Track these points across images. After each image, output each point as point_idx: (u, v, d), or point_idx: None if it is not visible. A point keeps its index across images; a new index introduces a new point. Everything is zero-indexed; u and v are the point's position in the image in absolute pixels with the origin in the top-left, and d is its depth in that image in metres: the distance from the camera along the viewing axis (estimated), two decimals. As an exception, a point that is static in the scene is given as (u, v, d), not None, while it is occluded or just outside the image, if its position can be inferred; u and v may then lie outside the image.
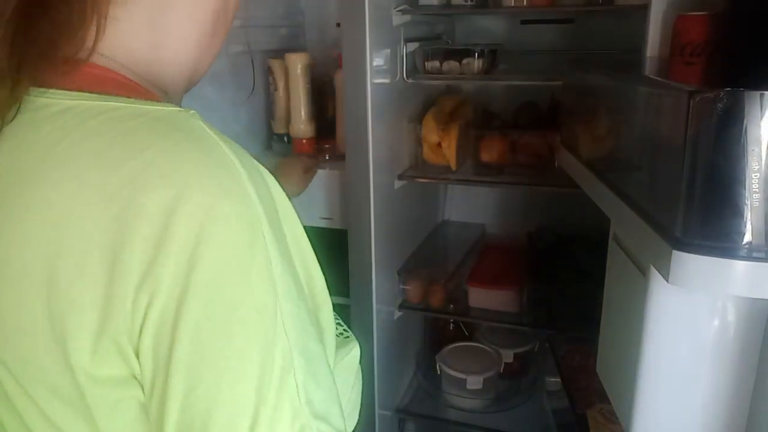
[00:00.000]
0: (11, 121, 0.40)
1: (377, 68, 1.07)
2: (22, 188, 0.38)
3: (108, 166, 0.37)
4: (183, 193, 0.36)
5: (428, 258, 1.43)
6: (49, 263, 0.37)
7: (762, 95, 0.46)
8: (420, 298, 1.32)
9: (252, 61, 1.24)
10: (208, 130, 0.40)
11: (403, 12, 1.14)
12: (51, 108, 0.40)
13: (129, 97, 0.41)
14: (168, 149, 0.37)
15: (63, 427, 0.41)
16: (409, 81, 1.21)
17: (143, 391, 0.39)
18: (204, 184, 0.36)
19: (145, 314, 0.36)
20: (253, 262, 0.37)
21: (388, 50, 1.13)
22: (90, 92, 0.40)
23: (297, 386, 0.38)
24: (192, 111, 0.41)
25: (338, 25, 1.17)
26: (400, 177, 1.25)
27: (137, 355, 0.37)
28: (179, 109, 0.41)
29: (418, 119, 1.27)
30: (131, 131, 0.38)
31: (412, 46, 1.20)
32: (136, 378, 0.39)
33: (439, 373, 1.40)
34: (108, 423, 0.40)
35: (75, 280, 0.36)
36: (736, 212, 0.48)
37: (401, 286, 1.31)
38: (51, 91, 0.40)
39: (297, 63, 1.26)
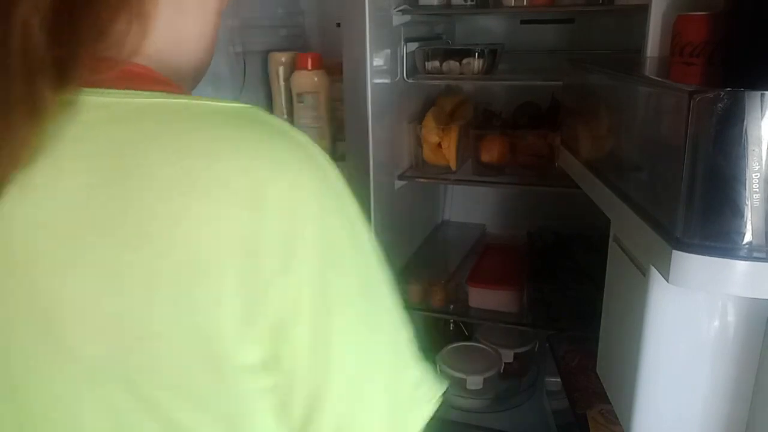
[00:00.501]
0: (68, 120, 0.37)
1: (377, 68, 1.07)
2: (130, 189, 0.36)
3: (214, 159, 0.36)
4: (296, 181, 0.37)
5: (428, 258, 1.43)
6: (175, 262, 0.35)
7: (762, 95, 0.46)
8: (420, 298, 1.32)
9: (243, 60, 1.24)
10: (286, 124, 0.40)
11: (403, 12, 1.14)
12: (113, 108, 0.37)
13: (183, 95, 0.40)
14: (263, 142, 0.37)
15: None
16: (410, 81, 1.21)
17: (281, 382, 0.39)
18: (311, 174, 0.38)
19: (294, 303, 0.37)
20: (368, 249, 0.42)
21: (388, 50, 1.13)
22: (144, 90, 0.38)
23: (418, 359, 0.44)
24: (256, 107, 0.40)
25: (338, 25, 1.17)
26: (401, 177, 1.25)
27: (284, 343, 0.37)
28: (246, 105, 0.40)
29: (419, 119, 1.27)
30: (218, 127, 0.37)
31: (413, 46, 1.20)
32: (277, 367, 0.38)
33: (439, 373, 1.40)
34: (247, 419, 0.39)
35: (210, 273, 0.35)
36: (736, 212, 0.48)
37: (401, 286, 1.31)
38: (100, 90, 0.38)
39: (273, 61, 1.29)
